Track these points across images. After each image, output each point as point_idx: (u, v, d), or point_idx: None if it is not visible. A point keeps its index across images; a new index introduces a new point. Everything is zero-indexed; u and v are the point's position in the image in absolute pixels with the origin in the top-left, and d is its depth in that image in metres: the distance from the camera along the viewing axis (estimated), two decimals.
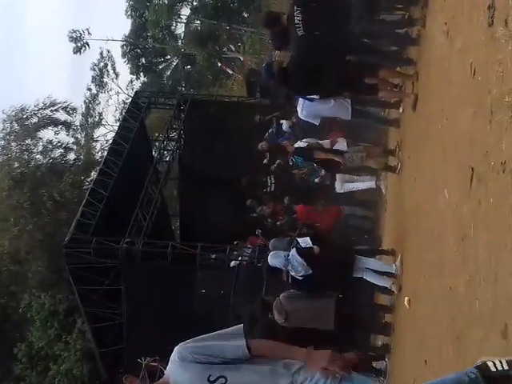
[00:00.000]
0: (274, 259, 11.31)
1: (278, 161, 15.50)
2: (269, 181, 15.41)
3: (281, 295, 11.06)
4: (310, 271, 10.81)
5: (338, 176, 13.61)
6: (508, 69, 4.44)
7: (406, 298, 9.14)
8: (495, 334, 4.49)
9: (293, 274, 11.00)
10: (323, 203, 14.45)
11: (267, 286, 13.83)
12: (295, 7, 9.30)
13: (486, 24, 5.13)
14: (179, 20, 43.56)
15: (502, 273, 4.45)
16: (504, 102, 4.35)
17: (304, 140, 13.71)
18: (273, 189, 15.46)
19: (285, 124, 16.34)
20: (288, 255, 11.03)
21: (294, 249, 11.15)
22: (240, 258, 16.57)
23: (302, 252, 11.02)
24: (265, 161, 15.94)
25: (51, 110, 33.42)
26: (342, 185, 13.61)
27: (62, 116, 34.54)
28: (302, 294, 11.07)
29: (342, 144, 12.91)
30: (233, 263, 16.67)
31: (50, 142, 32.26)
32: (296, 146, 13.73)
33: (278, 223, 16.54)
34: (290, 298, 11.01)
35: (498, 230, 4.55)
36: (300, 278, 11.01)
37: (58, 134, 33.83)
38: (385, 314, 11.44)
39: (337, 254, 11.23)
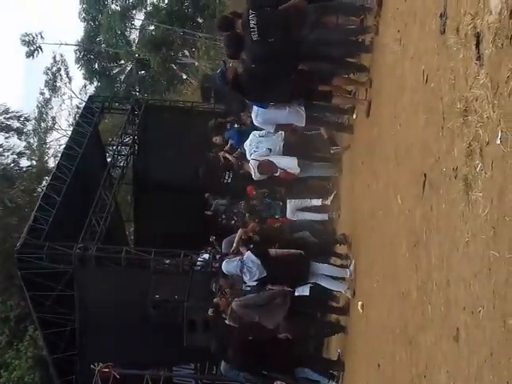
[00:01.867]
0: (227, 266, 11.30)
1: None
2: (227, 174, 15.32)
3: (233, 303, 11.06)
4: (265, 274, 10.82)
5: (288, 204, 13.71)
6: (459, 76, 4.48)
7: (360, 303, 9.19)
8: (447, 339, 4.53)
9: (246, 279, 10.98)
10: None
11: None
12: (250, 11, 9.31)
13: (438, 32, 5.18)
14: (133, 26, 43.40)
15: (454, 278, 4.49)
16: (455, 109, 4.40)
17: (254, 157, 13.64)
18: (230, 181, 15.37)
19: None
20: (242, 259, 11.03)
21: (249, 251, 11.16)
22: (208, 256, 16.47)
23: (257, 252, 11.03)
24: (221, 158, 15.87)
25: (4, 118, 33.10)
26: (294, 213, 13.71)
27: (14, 124, 34.31)
28: (255, 302, 11.09)
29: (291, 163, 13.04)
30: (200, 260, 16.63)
31: (0, 145, 31.90)
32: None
33: (233, 222, 16.48)
34: (244, 306, 11.03)
35: (450, 235, 4.60)
36: (254, 284, 11.03)
37: (7, 138, 33.53)
38: (338, 318, 11.50)
39: (291, 258, 11.24)
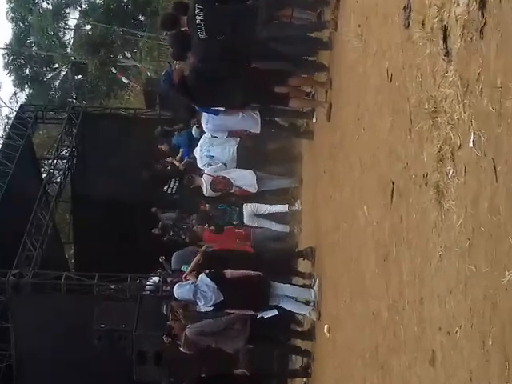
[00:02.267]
0: (179, 290, 10.96)
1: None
2: (172, 182, 15.23)
3: (187, 330, 11.01)
4: (222, 298, 10.68)
5: (244, 208, 13.60)
6: (427, 74, 4.50)
7: (326, 326, 9.17)
8: (422, 362, 4.53)
9: (201, 304, 10.79)
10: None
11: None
12: (196, 5, 9.24)
13: (402, 26, 5.20)
14: (67, 26, 43.11)
15: (427, 295, 4.49)
16: (423, 110, 4.41)
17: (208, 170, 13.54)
18: (174, 191, 15.29)
19: (194, 131, 16.10)
20: (195, 282, 10.89)
21: (203, 274, 11.05)
22: (158, 279, 16.30)
23: (212, 275, 10.89)
24: (168, 167, 15.87)
25: None
26: (253, 218, 13.60)
27: None
28: (211, 329, 11.08)
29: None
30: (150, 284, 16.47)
31: None
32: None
33: (180, 239, 16.36)
34: (200, 333, 11.00)
35: (422, 248, 4.60)
36: (210, 309, 10.90)
37: None
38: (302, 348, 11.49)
39: (249, 280, 11.16)
